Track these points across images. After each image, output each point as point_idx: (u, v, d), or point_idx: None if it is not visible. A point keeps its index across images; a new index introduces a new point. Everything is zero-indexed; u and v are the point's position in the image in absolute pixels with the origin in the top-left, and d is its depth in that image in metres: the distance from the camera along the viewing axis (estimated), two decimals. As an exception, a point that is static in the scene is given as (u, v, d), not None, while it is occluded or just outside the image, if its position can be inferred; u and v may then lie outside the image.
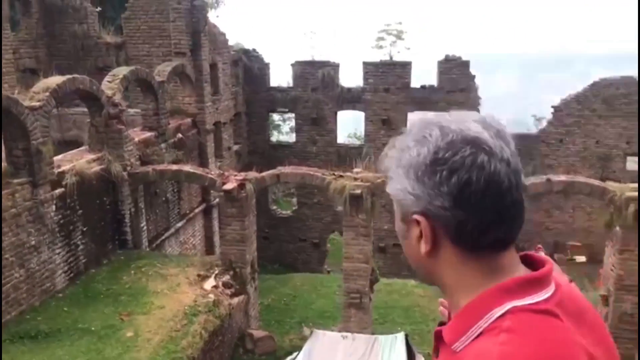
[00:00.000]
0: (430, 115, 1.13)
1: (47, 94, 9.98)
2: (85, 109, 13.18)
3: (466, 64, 19.68)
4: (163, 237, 13.90)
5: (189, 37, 15.84)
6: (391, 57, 20.08)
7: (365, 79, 20.02)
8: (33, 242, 9.62)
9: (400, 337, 9.43)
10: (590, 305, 1.15)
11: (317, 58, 20.55)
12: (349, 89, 20.23)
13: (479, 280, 1.05)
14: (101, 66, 16.49)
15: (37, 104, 9.69)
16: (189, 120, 15.98)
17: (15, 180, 9.30)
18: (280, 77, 21.43)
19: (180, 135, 15.22)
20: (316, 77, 20.27)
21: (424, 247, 1.07)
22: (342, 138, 22.82)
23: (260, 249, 13.27)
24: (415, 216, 1.06)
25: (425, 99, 19.80)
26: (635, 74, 19.40)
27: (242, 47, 20.51)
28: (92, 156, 11.52)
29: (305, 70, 20.41)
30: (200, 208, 16.30)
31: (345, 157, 20.83)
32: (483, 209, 1.01)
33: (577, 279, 18.55)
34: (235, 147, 19.87)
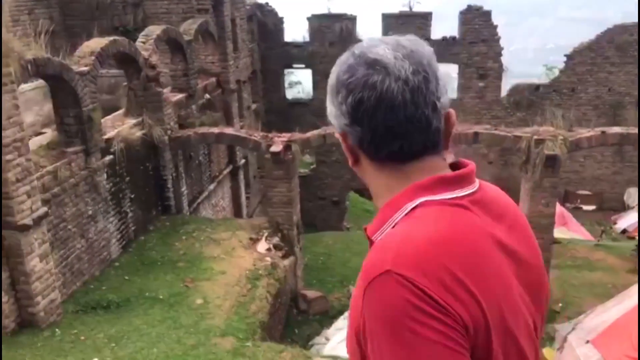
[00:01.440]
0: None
1: (93, 57, 9.55)
2: (114, 72, 12.75)
3: (488, 14, 19.29)
4: (198, 201, 13.75)
5: (210, -7, 15.21)
6: (411, 8, 19.57)
7: (385, 31, 19.55)
8: (90, 212, 9.42)
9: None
10: (516, 211, 1.22)
11: (334, 11, 19.98)
12: (368, 43, 19.74)
13: (394, 185, 1.14)
14: (117, 25, 15.84)
15: (85, 68, 9.28)
16: (213, 79, 15.55)
17: (70, 149, 9.00)
18: (295, 32, 20.85)
19: (207, 95, 14.84)
20: (333, 30, 19.76)
21: (350, 161, 1.20)
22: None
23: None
24: (336, 134, 1.20)
25: (447, 50, 19.47)
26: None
27: (256, 1, 19.82)
28: (132, 121, 11.18)
29: (322, 24, 19.86)
30: (227, 170, 16.09)
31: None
32: (375, 124, 1.09)
33: (588, 226, 18.79)
34: (254, 106, 19.49)
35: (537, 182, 10.74)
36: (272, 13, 20.22)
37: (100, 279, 9.48)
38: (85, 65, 9.38)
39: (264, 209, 20.28)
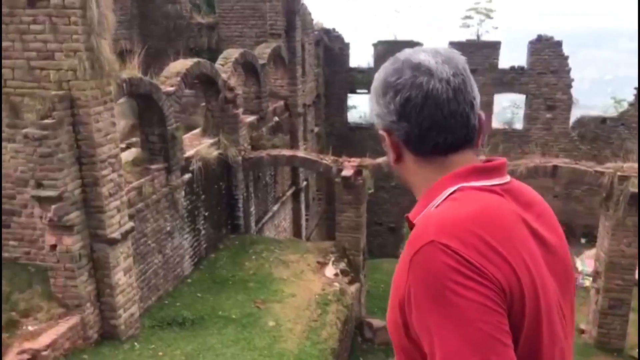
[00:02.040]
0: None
1: (179, 78, 9.85)
2: (186, 92, 13.10)
3: (558, 44, 18.88)
4: (263, 221, 13.84)
5: (283, 18, 15.53)
6: (478, 37, 19.39)
7: (451, 59, 19.39)
8: (168, 228, 9.61)
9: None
10: (544, 204, 1.31)
11: (400, 38, 20.02)
12: (433, 70, 19.63)
13: (435, 176, 1.25)
14: (192, 47, 16.35)
15: (171, 89, 9.57)
16: (281, 102, 15.77)
17: (154, 167, 9.25)
18: (360, 57, 20.99)
19: (276, 118, 15.05)
20: (399, 57, 19.73)
21: (391, 157, 1.33)
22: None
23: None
24: (380, 132, 1.30)
25: (515, 80, 19.14)
26: None
27: (323, 27, 20.10)
28: (209, 141, 11.42)
29: (388, 50, 19.83)
30: (290, 191, 16.19)
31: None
32: (422, 120, 1.21)
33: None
34: (316, 129, 19.63)
35: (619, 220, 10.29)
36: (339, 39, 20.45)
37: (174, 295, 9.61)
38: (171, 86, 9.68)
39: (321, 232, 20.28)
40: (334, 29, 20.59)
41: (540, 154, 17.67)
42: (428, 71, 1.21)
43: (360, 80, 20.50)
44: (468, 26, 19.24)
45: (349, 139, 20.46)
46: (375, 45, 20.09)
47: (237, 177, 11.93)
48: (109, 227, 7.49)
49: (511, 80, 19.22)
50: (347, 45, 20.61)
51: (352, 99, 22.05)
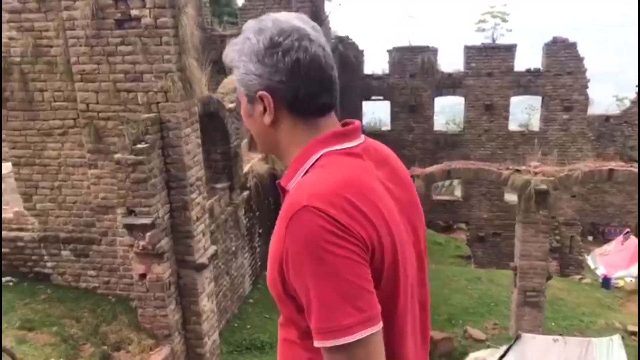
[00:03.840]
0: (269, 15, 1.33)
1: (236, 95, 9.60)
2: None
3: (574, 46, 19.06)
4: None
5: (309, 27, 15.37)
6: (494, 40, 19.48)
7: (467, 63, 19.44)
8: (233, 248, 9.36)
9: (617, 340, 9.09)
10: (396, 161, 1.45)
11: (415, 43, 19.99)
12: (449, 75, 19.67)
13: (305, 139, 1.31)
14: (215, 59, 16.06)
15: (232, 105, 9.33)
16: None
17: (219, 186, 9.00)
18: (374, 64, 20.91)
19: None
20: (414, 63, 19.71)
21: (268, 119, 1.32)
22: (438, 125, 22.27)
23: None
24: (260, 92, 1.30)
25: (531, 82, 19.26)
26: None
27: (337, 35, 19.98)
28: (258, 155, 11.19)
29: (403, 56, 19.84)
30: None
31: (444, 145, 20.48)
32: (310, 80, 1.27)
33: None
34: (334, 137, 19.48)
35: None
36: (353, 46, 20.32)
37: (241, 317, 9.35)
38: (231, 102, 9.44)
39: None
40: (347, 37, 20.48)
41: (558, 155, 17.86)
42: (308, 36, 1.28)
43: (376, 87, 20.43)
44: (483, 30, 19.29)
45: (366, 145, 20.36)
46: (390, 51, 20.02)
47: (284, 191, 11.70)
48: (197, 252, 7.23)
49: (527, 82, 19.32)
50: (361, 53, 20.50)
51: (367, 106, 21.97)
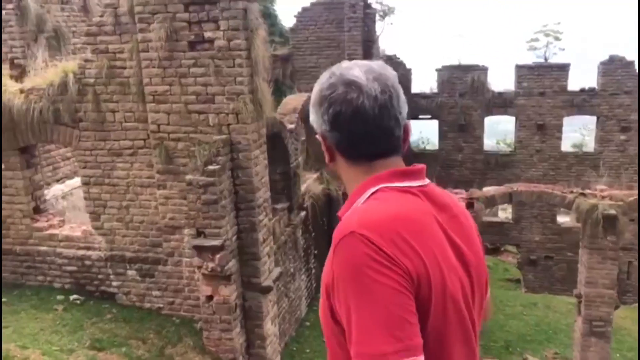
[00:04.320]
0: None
1: (296, 114, 9.58)
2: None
3: (631, 65, 18.45)
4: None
5: (361, 47, 15.34)
6: (546, 59, 19.05)
7: (518, 82, 19.04)
8: (292, 270, 9.25)
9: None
10: (459, 208, 1.47)
11: (464, 62, 19.72)
12: (500, 94, 19.30)
13: (361, 177, 1.41)
14: (269, 79, 16.16)
15: (292, 125, 9.29)
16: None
17: (279, 206, 8.92)
18: (423, 83, 20.71)
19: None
20: (464, 81, 19.42)
21: (327, 157, 1.49)
22: (488, 145, 21.83)
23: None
24: (317, 136, 1.46)
25: (585, 102, 18.70)
26: None
27: (385, 53, 19.90)
28: (313, 175, 11.11)
29: (453, 75, 19.57)
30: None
31: (494, 165, 20.03)
32: (349, 132, 1.37)
33: None
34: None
35: None
36: (402, 65, 20.19)
37: (299, 340, 9.19)
38: (291, 123, 9.40)
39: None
40: (395, 55, 20.38)
41: (614, 177, 17.20)
42: (359, 88, 1.32)
43: (424, 106, 20.19)
44: (535, 49, 18.89)
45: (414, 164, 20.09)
46: (439, 70, 19.81)
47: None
48: (262, 275, 7.14)
49: (581, 102, 18.77)
50: (409, 71, 20.34)
51: (414, 125, 21.73)
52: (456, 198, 1.51)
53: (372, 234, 1.20)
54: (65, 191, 10.17)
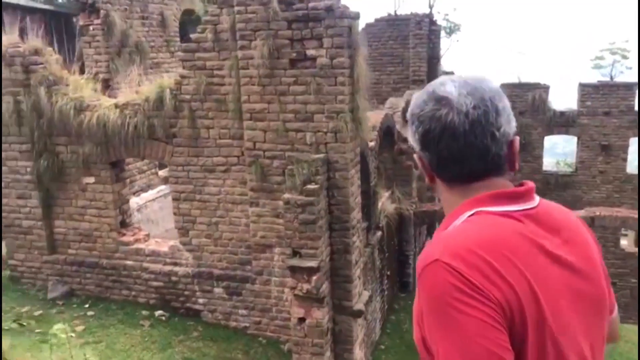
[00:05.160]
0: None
1: (375, 132, 9.42)
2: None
3: None
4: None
5: (425, 64, 15.15)
6: (612, 78, 18.47)
7: (582, 101, 18.51)
8: (369, 291, 9.01)
9: None
10: (578, 228, 1.32)
11: (525, 80, 19.32)
12: (562, 113, 18.79)
13: (458, 200, 1.30)
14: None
15: (372, 143, 9.13)
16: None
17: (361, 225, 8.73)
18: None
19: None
20: (524, 99, 19.01)
21: (426, 179, 1.39)
22: (548, 164, 21.27)
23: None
24: (415, 155, 1.38)
25: (654, 123, 18.01)
26: None
27: (443, 70, 19.65)
28: (385, 194, 10.90)
29: (513, 93, 19.14)
30: (428, 241, 15.48)
31: (554, 185, 19.46)
32: (439, 150, 1.26)
33: None
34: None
35: None
36: (459, 82, 19.93)
37: (376, 365, 8.94)
38: (371, 140, 9.24)
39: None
40: (453, 73, 20.10)
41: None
42: (449, 104, 1.24)
43: (482, 123, 19.81)
44: (600, 67, 18.35)
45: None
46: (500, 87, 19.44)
47: (408, 232, 11.32)
48: (354, 298, 6.95)
49: (651, 122, 18.09)
50: (467, 89, 20.04)
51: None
52: (576, 218, 1.35)
53: (457, 261, 1.12)
54: (140, 204, 10.24)
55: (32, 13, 12.06)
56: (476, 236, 1.17)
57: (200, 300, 7.59)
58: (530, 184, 1.31)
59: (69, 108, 7.36)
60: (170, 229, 10.43)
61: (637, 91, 18.27)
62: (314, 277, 6.42)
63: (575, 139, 19.09)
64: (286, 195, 6.46)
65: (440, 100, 1.25)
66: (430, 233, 12.24)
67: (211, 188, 7.27)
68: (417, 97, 1.34)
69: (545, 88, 19.04)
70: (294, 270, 6.55)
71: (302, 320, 6.73)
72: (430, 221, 11.84)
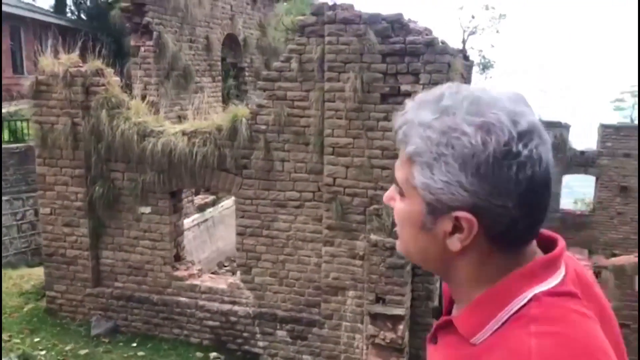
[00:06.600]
0: (463, 87, 0.88)
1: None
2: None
3: None
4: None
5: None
6: (632, 120, 18.57)
7: (602, 142, 18.55)
8: (424, 336, 8.62)
9: None
10: (591, 277, 1.04)
11: (545, 118, 19.32)
12: (582, 152, 18.78)
13: (502, 272, 0.91)
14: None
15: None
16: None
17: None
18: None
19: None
20: (544, 138, 19.02)
21: (457, 244, 0.88)
22: (565, 204, 21.19)
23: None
24: (460, 214, 0.85)
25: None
26: None
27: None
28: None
29: (534, 133, 19.18)
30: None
31: (571, 225, 19.32)
32: (537, 205, 0.88)
33: None
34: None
35: None
36: (479, 117, 19.91)
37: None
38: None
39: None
40: (471, 108, 20.13)
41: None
42: (540, 135, 0.86)
43: (500, 160, 19.73)
44: (621, 109, 18.45)
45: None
46: (518, 125, 19.45)
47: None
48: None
49: (670, 166, 18.13)
50: (486, 124, 20.03)
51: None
52: (585, 268, 1.05)
53: None
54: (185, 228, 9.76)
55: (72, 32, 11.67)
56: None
57: (260, 343, 7.10)
58: (561, 243, 0.98)
59: (132, 133, 6.94)
60: (203, 259, 9.96)
61: (657, 134, 18.35)
62: (400, 327, 6.00)
63: (592, 179, 19.07)
64: (373, 237, 6.08)
65: (539, 132, 0.88)
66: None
67: (281, 224, 6.86)
68: (502, 120, 0.85)
69: (567, 127, 19.06)
70: (375, 317, 6.13)
71: (379, 370, 6.28)
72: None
